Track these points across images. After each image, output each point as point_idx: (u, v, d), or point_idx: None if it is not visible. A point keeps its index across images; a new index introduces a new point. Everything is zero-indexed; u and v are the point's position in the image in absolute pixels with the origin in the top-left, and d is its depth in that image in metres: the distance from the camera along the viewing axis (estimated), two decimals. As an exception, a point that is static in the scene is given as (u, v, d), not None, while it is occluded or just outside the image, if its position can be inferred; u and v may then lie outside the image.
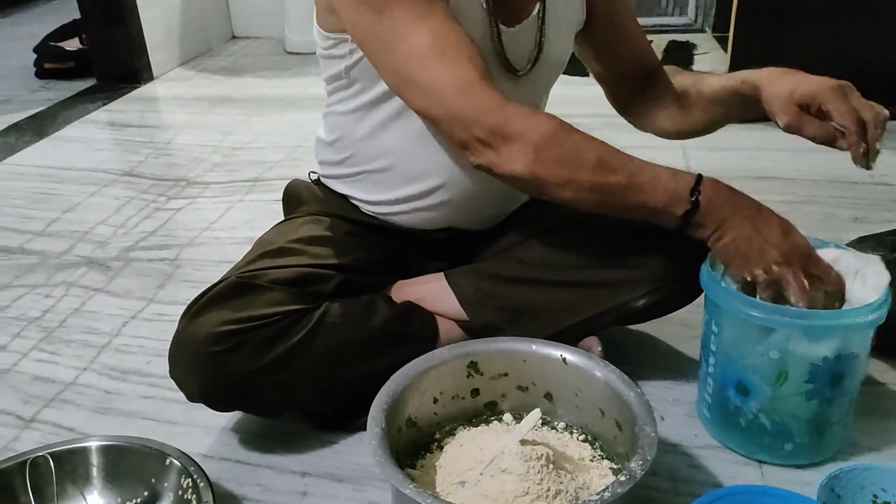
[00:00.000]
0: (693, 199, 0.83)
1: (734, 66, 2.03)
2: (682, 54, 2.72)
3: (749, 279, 0.85)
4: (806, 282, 0.84)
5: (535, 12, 1.00)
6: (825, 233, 1.43)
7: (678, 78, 1.13)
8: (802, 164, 1.80)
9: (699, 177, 0.85)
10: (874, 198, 1.61)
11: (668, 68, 1.17)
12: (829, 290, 0.87)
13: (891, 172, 1.72)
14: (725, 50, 2.09)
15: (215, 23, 3.17)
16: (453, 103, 0.87)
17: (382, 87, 0.97)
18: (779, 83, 0.95)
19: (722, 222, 0.85)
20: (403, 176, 1.04)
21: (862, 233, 1.29)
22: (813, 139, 0.91)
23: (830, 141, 0.90)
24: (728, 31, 2.06)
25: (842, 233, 1.42)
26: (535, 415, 0.84)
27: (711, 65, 2.56)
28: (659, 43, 2.83)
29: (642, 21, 3.00)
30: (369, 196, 1.09)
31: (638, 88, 1.15)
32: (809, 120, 0.91)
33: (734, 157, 1.86)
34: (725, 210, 0.85)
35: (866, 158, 0.89)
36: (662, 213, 0.85)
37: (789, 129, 0.92)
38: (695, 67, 2.56)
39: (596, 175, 0.84)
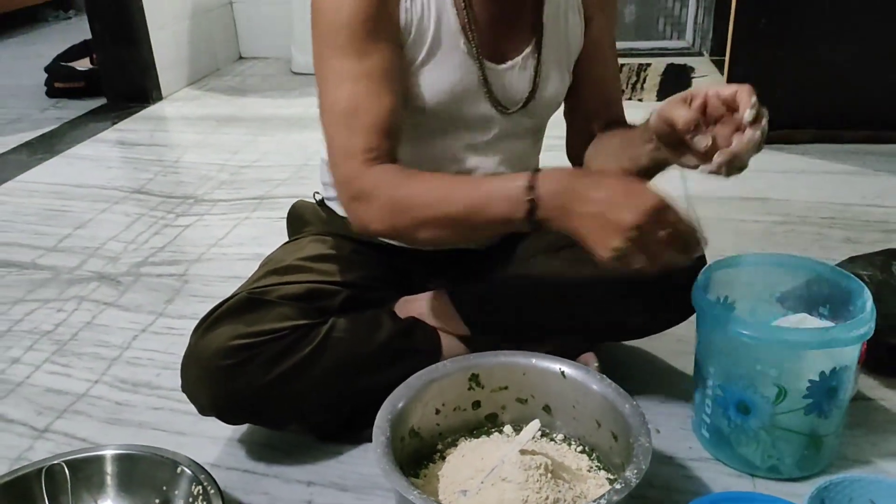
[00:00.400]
0: (529, 198, 0.81)
1: (731, 90, 2.08)
2: (679, 77, 2.76)
3: (613, 256, 0.78)
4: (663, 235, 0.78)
5: (527, 50, 1.03)
6: (817, 252, 1.47)
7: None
8: (797, 184, 1.84)
9: (533, 173, 0.82)
10: (866, 219, 1.65)
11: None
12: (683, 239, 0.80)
13: (882, 195, 1.76)
14: (722, 73, 2.13)
15: (223, 43, 3.23)
16: (337, 165, 0.93)
17: None
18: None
19: (564, 211, 0.80)
20: None
21: (853, 253, 1.32)
22: (679, 119, 0.85)
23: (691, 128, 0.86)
24: (725, 55, 2.11)
25: (834, 253, 1.46)
26: (534, 426, 0.87)
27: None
28: (657, 66, 2.88)
29: (641, 45, 3.09)
30: None
31: (592, 137, 1.12)
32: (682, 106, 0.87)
33: (730, 177, 1.89)
34: (565, 197, 0.80)
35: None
36: (511, 222, 0.84)
37: (661, 116, 0.88)
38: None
39: (439, 209, 0.86)
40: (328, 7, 0.92)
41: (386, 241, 1.12)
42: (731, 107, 0.85)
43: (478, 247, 1.15)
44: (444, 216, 0.86)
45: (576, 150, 1.14)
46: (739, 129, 0.84)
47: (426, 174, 0.91)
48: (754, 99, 0.83)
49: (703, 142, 0.85)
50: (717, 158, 0.85)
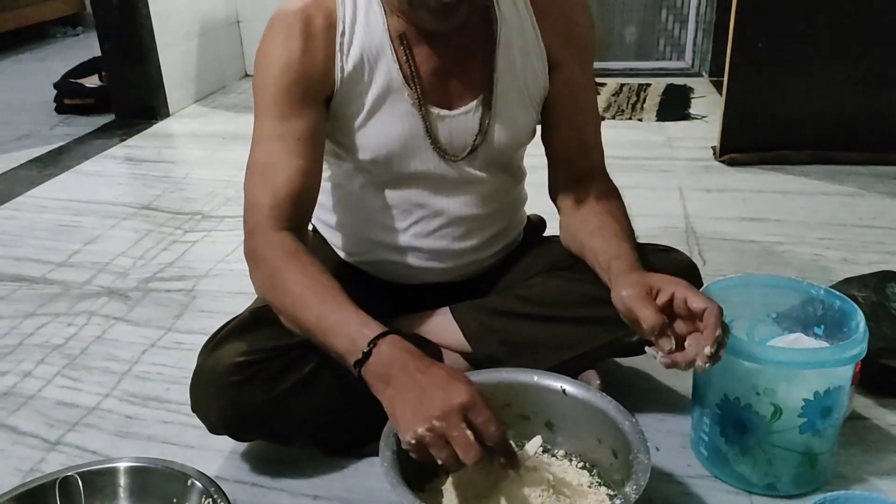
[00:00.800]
0: (365, 350, 0.82)
1: (729, 110, 2.12)
2: (679, 98, 2.80)
3: (411, 439, 0.77)
4: (470, 434, 0.76)
5: (478, 99, 1.02)
6: (814, 273, 1.50)
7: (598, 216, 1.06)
8: (795, 205, 1.87)
9: (386, 332, 0.84)
10: (862, 240, 1.67)
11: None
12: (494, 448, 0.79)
13: (879, 216, 1.79)
14: (721, 93, 2.16)
15: (229, 61, 3.27)
16: (245, 217, 0.99)
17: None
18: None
19: (387, 379, 0.81)
20: (373, 239, 1.12)
21: (849, 274, 1.35)
22: (645, 321, 0.85)
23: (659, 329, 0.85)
24: (723, 76, 2.14)
25: (831, 273, 1.48)
26: (536, 442, 0.90)
27: (707, 108, 2.64)
28: (657, 86, 2.92)
29: (641, 64, 3.13)
30: (348, 249, 1.16)
31: (570, 183, 1.11)
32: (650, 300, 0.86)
33: (728, 198, 1.93)
34: (393, 367, 0.81)
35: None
36: (344, 360, 0.85)
37: (626, 311, 0.88)
38: (692, 111, 2.64)
39: (295, 310, 0.90)
40: (260, 67, 0.98)
41: (369, 269, 1.16)
42: (697, 316, 0.84)
43: (461, 278, 1.16)
44: (298, 318, 0.90)
45: (555, 192, 1.13)
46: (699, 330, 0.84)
47: (310, 267, 0.91)
48: (719, 332, 0.82)
49: (666, 345, 0.84)
50: (676, 358, 0.84)
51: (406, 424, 0.78)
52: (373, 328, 0.84)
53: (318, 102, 0.98)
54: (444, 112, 1.02)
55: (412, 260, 1.12)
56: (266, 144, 0.97)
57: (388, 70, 0.99)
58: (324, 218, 1.18)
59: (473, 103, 1.03)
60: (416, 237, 1.10)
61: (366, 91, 0.99)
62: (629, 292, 0.87)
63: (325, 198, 1.14)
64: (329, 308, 0.87)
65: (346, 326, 0.85)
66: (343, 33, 0.97)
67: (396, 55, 0.98)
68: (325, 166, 1.07)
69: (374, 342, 0.83)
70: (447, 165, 1.05)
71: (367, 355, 0.82)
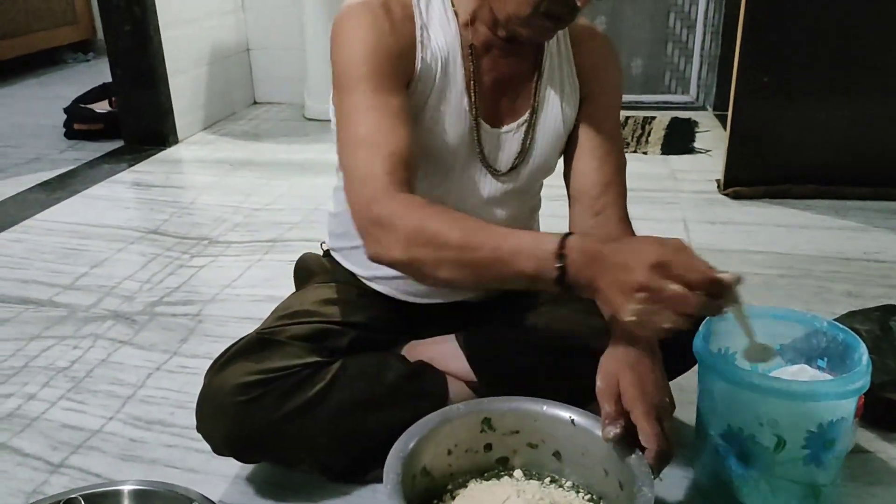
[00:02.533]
0: (559, 264, 0.80)
1: (733, 143, 2.14)
2: (683, 131, 2.82)
3: (632, 318, 0.76)
4: (678, 287, 0.74)
5: (523, 117, 1.07)
6: (819, 306, 1.50)
7: None
8: (799, 239, 1.87)
9: (563, 238, 0.81)
10: (867, 273, 1.68)
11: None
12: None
13: (883, 250, 1.80)
14: (725, 128, 2.18)
15: (238, 89, 3.31)
16: (356, 190, 0.91)
17: None
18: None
19: (591, 281, 0.79)
20: None
21: (854, 307, 1.35)
22: (601, 410, 0.89)
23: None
24: (727, 110, 2.16)
25: (835, 306, 1.49)
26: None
27: (712, 142, 2.66)
28: (662, 119, 2.95)
29: (646, 98, 3.15)
30: (367, 272, 1.16)
31: (588, 219, 1.11)
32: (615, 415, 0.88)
33: (733, 230, 1.94)
34: (595, 266, 0.79)
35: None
36: (537, 281, 0.82)
37: (598, 391, 0.90)
38: (696, 144, 2.66)
39: (462, 252, 0.84)
40: (346, 48, 0.96)
41: (387, 290, 1.15)
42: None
43: (477, 298, 1.17)
44: (468, 259, 0.84)
45: (576, 227, 1.13)
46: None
47: (453, 211, 0.89)
48: (650, 472, 0.85)
49: (611, 432, 0.87)
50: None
51: (621, 310, 0.76)
52: (550, 239, 0.81)
53: (404, 86, 0.98)
54: (492, 128, 1.06)
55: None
56: (364, 115, 0.93)
57: (454, 75, 1.02)
58: (339, 244, 1.19)
59: (515, 124, 1.07)
60: None
61: (431, 88, 1.01)
62: (602, 383, 0.89)
63: (345, 223, 1.13)
64: (500, 238, 0.83)
65: (524, 248, 0.81)
66: (422, 28, 1.00)
67: (464, 63, 1.02)
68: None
69: (560, 256, 0.79)
70: (488, 179, 1.08)
71: (561, 269, 0.79)
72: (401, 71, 0.98)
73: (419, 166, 1.01)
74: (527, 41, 1.01)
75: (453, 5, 1.02)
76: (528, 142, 1.09)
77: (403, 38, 0.98)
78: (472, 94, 1.03)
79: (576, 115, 1.11)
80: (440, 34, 1.01)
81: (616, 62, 1.14)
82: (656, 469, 0.85)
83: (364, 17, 0.96)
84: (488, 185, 1.09)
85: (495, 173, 1.09)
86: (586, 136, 1.11)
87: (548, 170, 1.14)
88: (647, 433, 0.84)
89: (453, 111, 1.03)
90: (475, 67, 1.03)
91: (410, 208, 0.87)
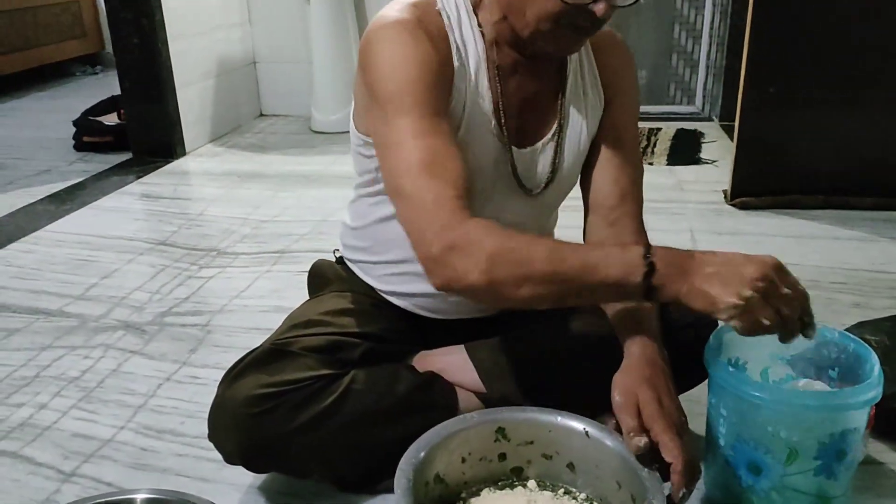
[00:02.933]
0: (647, 262, 0.83)
1: (740, 154, 2.14)
2: (689, 142, 2.83)
3: (739, 301, 0.80)
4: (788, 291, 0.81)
5: (549, 134, 1.08)
6: (828, 317, 1.50)
7: None
8: (807, 250, 1.88)
9: (648, 244, 0.86)
10: (875, 285, 1.68)
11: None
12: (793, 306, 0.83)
13: (891, 261, 1.80)
14: (731, 139, 2.19)
15: (245, 101, 3.33)
16: (424, 219, 0.89)
17: None
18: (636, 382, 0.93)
19: (684, 273, 0.82)
20: (416, 271, 1.09)
21: (862, 318, 1.35)
22: (622, 427, 0.90)
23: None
24: (733, 120, 2.17)
25: (843, 317, 1.48)
26: None
27: (718, 152, 2.67)
28: (668, 131, 2.96)
29: (652, 109, 3.16)
30: (386, 287, 1.17)
31: (604, 228, 1.11)
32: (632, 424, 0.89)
33: (740, 241, 1.94)
34: (686, 263, 0.83)
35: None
36: (624, 285, 0.84)
37: (613, 406, 0.91)
38: (702, 155, 2.67)
39: (551, 265, 0.85)
40: (391, 69, 0.94)
41: (402, 302, 1.16)
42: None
43: (491, 314, 1.17)
44: (554, 272, 0.85)
45: (588, 237, 1.14)
46: None
47: (530, 233, 0.91)
48: (684, 491, 0.85)
49: (641, 441, 0.87)
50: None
51: (730, 291, 0.80)
52: (634, 247, 0.85)
53: (448, 108, 0.98)
54: (520, 149, 1.06)
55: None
56: (420, 141, 0.92)
57: (483, 97, 1.02)
58: (358, 256, 1.20)
59: (540, 143, 1.08)
60: None
61: (463, 111, 1.01)
62: (618, 397, 0.90)
63: (366, 238, 1.16)
64: (585, 250, 0.89)
65: (611, 257, 0.85)
66: (457, 49, 1.00)
67: (490, 84, 1.02)
68: (384, 208, 1.09)
69: (647, 254, 0.83)
70: (521, 199, 1.09)
71: (651, 265, 0.82)
72: (445, 93, 0.97)
73: None
74: (552, 56, 1.01)
75: (479, 25, 1.02)
76: (557, 160, 1.09)
77: (443, 59, 0.97)
78: (501, 116, 1.03)
79: (599, 118, 1.12)
80: (473, 55, 1.01)
81: (634, 70, 1.15)
82: (688, 484, 0.85)
83: (404, 37, 0.95)
84: (521, 205, 1.10)
85: (528, 193, 1.09)
86: (605, 145, 1.12)
87: (573, 183, 1.15)
88: (671, 448, 0.85)
89: (484, 134, 1.03)
90: (502, 89, 1.03)
91: (488, 230, 0.87)
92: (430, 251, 0.88)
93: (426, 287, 1.09)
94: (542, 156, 1.09)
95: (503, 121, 1.03)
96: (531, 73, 1.04)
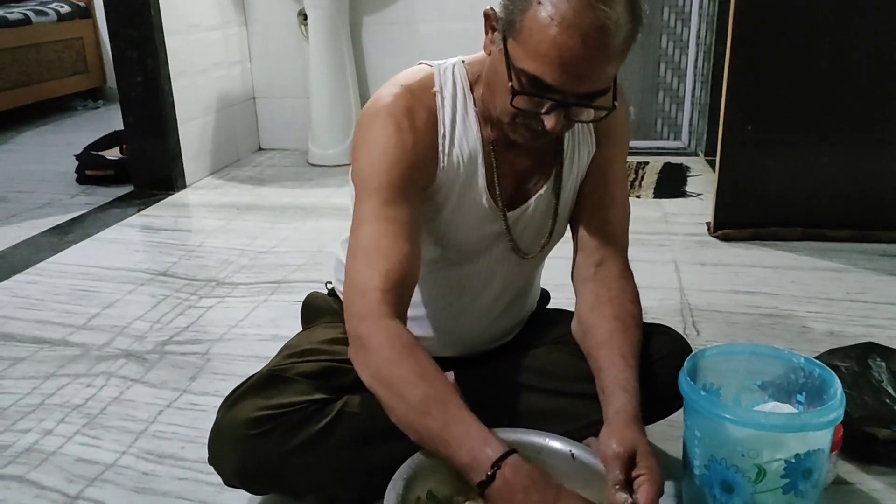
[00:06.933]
0: (490, 472, 0.85)
1: (722, 188, 2.22)
2: (675, 176, 2.91)
3: None
4: None
5: (542, 191, 1.11)
6: (802, 345, 1.56)
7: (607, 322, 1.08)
8: (785, 280, 1.94)
9: (507, 453, 0.86)
10: (848, 314, 1.74)
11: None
12: None
13: (866, 290, 1.86)
14: (715, 173, 2.26)
15: (244, 135, 3.41)
16: (350, 298, 0.98)
17: None
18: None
19: (506, 502, 0.85)
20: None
21: (836, 346, 1.41)
22: (607, 480, 0.93)
23: None
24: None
25: (818, 345, 1.54)
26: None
27: (702, 186, 2.75)
28: (654, 164, 3.04)
29: (640, 144, 3.25)
30: None
31: (590, 268, 1.13)
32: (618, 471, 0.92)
33: (722, 271, 2.01)
34: (518, 496, 0.85)
35: None
36: (466, 473, 0.88)
37: (604, 455, 0.94)
38: (688, 188, 2.75)
39: (413, 414, 0.90)
40: (369, 154, 1.01)
41: None
42: None
43: (490, 349, 1.23)
44: (414, 422, 0.91)
45: (575, 276, 1.16)
46: None
47: (428, 368, 0.92)
48: None
49: (627, 500, 0.89)
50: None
51: None
52: (495, 447, 0.87)
53: (420, 191, 1.03)
54: (517, 213, 1.11)
55: (440, 335, 1.19)
56: (372, 226, 0.98)
57: (476, 172, 1.06)
58: None
59: (533, 200, 1.11)
60: (455, 316, 1.18)
61: (453, 189, 1.06)
62: (607, 447, 0.93)
63: None
64: (451, 418, 0.89)
65: (468, 441, 0.87)
66: (444, 135, 1.04)
67: (485, 161, 1.07)
68: None
69: (497, 464, 0.85)
70: (516, 260, 1.14)
71: (491, 478, 0.85)
72: (418, 181, 1.02)
73: (445, 257, 1.08)
74: (528, 145, 1.02)
75: (475, 104, 1.06)
76: (553, 225, 1.14)
77: (425, 148, 1.02)
78: (496, 188, 1.08)
79: (588, 163, 1.14)
80: (463, 137, 1.05)
81: (626, 108, 1.18)
82: None
83: (388, 126, 1.00)
84: (515, 265, 1.15)
85: (523, 257, 1.14)
86: (594, 185, 1.14)
87: (564, 232, 1.19)
88: None
89: (477, 207, 1.08)
90: (497, 163, 1.07)
91: (388, 344, 0.93)
92: (350, 328, 0.97)
93: (417, 330, 1.15)
94: (534, 213, 1.12)
95: (498, 192, 1.08)
96: (527, 149, 1.06)
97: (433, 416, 0.89)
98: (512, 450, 0.87)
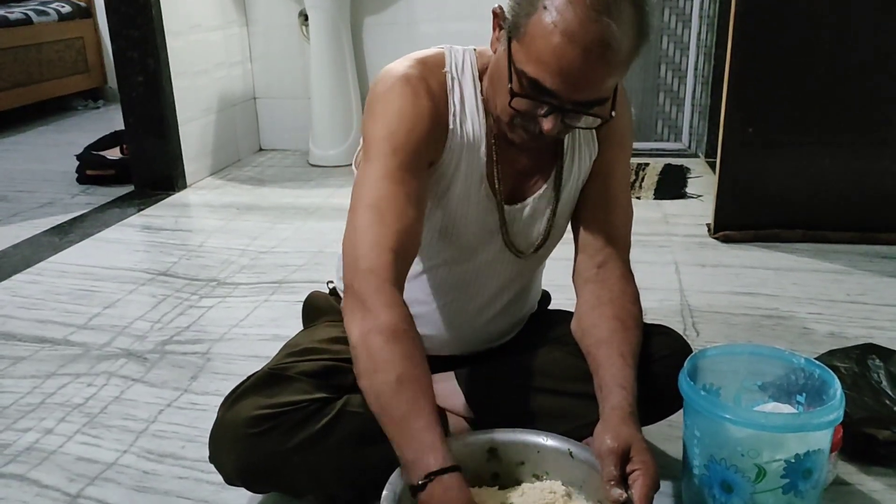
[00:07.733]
0: (422, 482, 0.85)
1: (722, 190, 2.22)
2: (676, 177, 2.91)
3: None
4: None
5: (541, 191, 1.11)
6: (802, 346, 1.56)
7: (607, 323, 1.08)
8: (786, 281, 1.94)
9: (447, 469, 0.85)
10: (849, 315, 1.74)
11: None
12: None
13: (866, 292, 1.86)
14: (716, 174, 2.26)
15: (245, 136, 3.41)
16: (359, 252, 0.95)
17: None
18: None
19: None
20: None
21: (836, 346, 1.41)
22: (603, 476, 0.92)
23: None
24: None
25: (818, 347, 1.54)
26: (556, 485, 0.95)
27: (703, 187, 2.75)
28: (655, 166, 3.04)
29: (640, 145, 3.26)
30: None
31: (592, 269, 1.13)
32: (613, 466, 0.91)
33: (723, 272, 2.01)
34: None
35: None
36: (403, 469, 0.89)
37: (599, 451, 0.94)
38: (688, 189, 2.75)
39: (383, 387, 0.89)
40: (386, 116, 1.00)
41: None
42: None
43: (488, 349, 1.23)
44: (378, 402, 0.91)
45: (577, 277, 1.16)
46: None
47: (412, 344, 0.92)
48: None
49: (622, 496, 0.89)
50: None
51: None
52: (438, 457, 0.86)
53: (426, 169, 1.02)
54: (514, 209, 1.11)
55: (439, 333, 1.19)
56: (385, 184, 0.97)
57: (477, 162, 1.07)
58: None
59: (531, 199, 1.12)
60: (454, 314, 1.18)
61: (456, 170, 1.06)
62: (601, 443, 0.93)
63: None
64: (416, 411, 0.88)
65: (418, 440, 0.87)
66: (454, 114, 1.04)
67: (487, 150, 1.07)
68: None
69: (431, 476, 0.85)
70: (512, 259, 1.14)
71: (423, 486, 0.85)
72: (428, 154, 1.02)
73: (443, 250, 1.08)
74: (525, 146, 1.03)
75: (482, 92, 1.06)
76: (551, 226, 1.14)
77: (437, 119, 1.02)
78: (496, 182, 1.08)
79: (590, 166, 1.14)
80: (470, 120, 1.05)
81: (628, 110, 1.17)
82: None
83: (406, 91, 1.00)
84: (513, 264, 1.15)
85: (518, 255, 1.15)
86: (597, 187, 1.14)
87: (563, 235, 1.19)
88: None
89: (475, 196, 1.08)
90: (498, 157, 1.08)
91: (388, 311, 0.91)
92: (352, 281, 0.95)
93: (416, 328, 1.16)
94: (534, 212, 1.13)
95: (498, 186, 1.09)
96: (529, 147, 1.06)
97: (401, 399, 0.89)
98: (455, 467, 0.86)
